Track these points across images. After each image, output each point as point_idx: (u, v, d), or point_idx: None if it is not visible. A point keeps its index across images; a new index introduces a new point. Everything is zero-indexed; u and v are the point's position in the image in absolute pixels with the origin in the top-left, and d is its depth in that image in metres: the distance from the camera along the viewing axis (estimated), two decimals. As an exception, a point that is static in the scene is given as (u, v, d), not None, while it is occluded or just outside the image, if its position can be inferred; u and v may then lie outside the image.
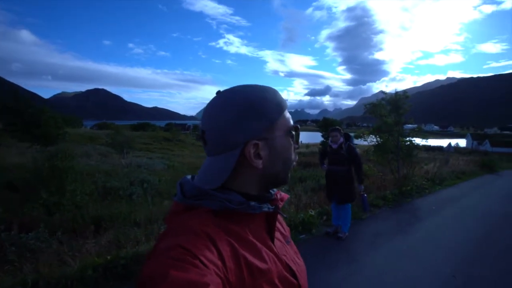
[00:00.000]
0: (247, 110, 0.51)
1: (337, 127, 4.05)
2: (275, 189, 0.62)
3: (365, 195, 4.25)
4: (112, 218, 4.91)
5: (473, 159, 17.49)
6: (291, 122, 0.58)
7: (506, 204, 6.97)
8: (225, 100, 0.53)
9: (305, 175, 11.56)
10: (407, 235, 4.32)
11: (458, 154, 24.25)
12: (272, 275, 0.49)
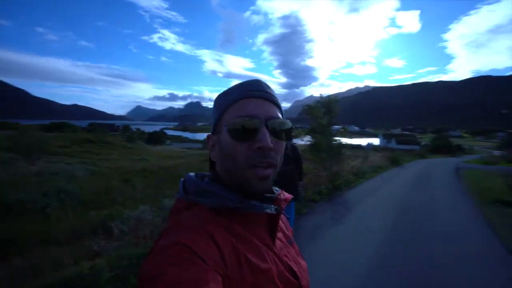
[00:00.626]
0: (213, 107, 0.57)
1: None
2: (277, 189, 0.61)
3: (301, 189, 4.48)
4: (20, 239, 4.00)
5: (384, 155, 20.80)
6: (239, 113, 0.51)
7: (410, 191, 8.56)
8: None
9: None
10: (341, 225, 4.81)
11: (374, 151, 28.57)
12: (272, 275, 0.48)
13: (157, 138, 51.62)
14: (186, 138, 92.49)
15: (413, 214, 5.88)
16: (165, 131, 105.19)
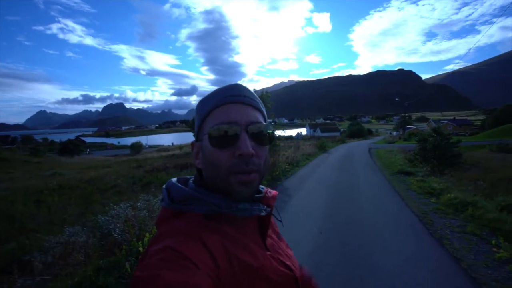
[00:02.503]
0: (195, 114, 0.57)
1: None
2: (263, 187, 0.61)
3: None
4: None
5: (312, 143, 23.05)
6: (220, 120, 0.50)
7: (338, 171, 9.77)
8: None
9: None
10: (285, 212, 5.16)
11: (303, 140, 31.31)
12: (266, 272, 0.50)
13: (72, 147, 44.09)
14: (111, 144, 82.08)
15: (342, 189, 6.87)
16: (83, 138, 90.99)
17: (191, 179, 0.58)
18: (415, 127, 62.75)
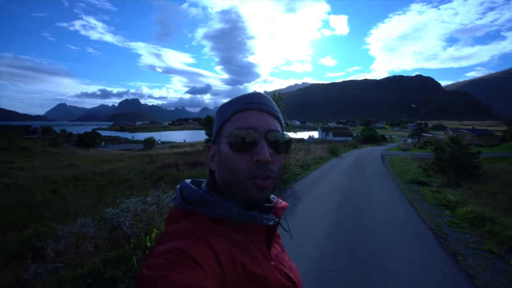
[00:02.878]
0: (215, 117, 0.58)
1: None
2: (274, 197, 0.62)
3: None
4: None
5: (324, 146, 22.77)
6: (239, 125, 0.51)
7: (349, 177, 9.60)
8: None
9: (194, 175, 11.50)
10: (294, 216, 5.12)
11: (314, 143, 30.97)
12: (269, 282, 0.49)
13: (89, 140, 45.52)
14: (125, 138, 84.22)
15: (353, 195, 6.75)
16: (99, 131, 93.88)
17: (204, 182, 0.59)
18: (431, 135, 60.77)
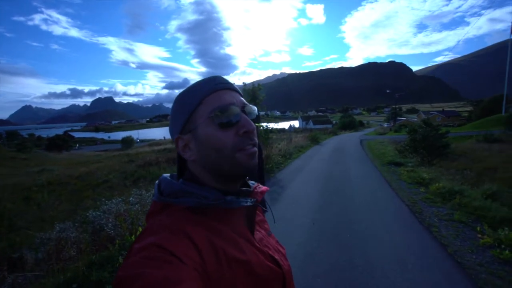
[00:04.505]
0: (174, 108, 0.56)
1: None
2: (253, 182, 0.62)
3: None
4: None
5: (304, 135, 23.16)
6: (219, 104, 0.52)
7: (330, 163, 9.88)
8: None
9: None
10: (278, 203, 5.22)
11: (295, 132, 31.44)
12: (252, 266, 0.50)
13: (60, 143, 43.03)
14: (101, 139, 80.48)
15: (335, 180, 7.00)
16: (71, 133, 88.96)
17: (183, 176, 0.58)
18: (405, 118, 63.73)
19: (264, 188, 0.62)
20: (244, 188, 0.58)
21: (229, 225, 0.52)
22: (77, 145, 56.58)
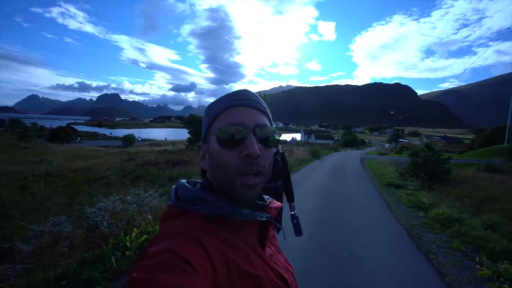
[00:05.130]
0: (204, 116, 0.57)
1: None
2: (268, 197, 0.62)
3: (297, 214, 2.60)
4: None
5: (306, 149, 23.16)
6: (226, 121, 0.51)
7: (330, 179, 9.83)
8: None
9: (176, 174, 11.26)
10: (276, 215, 5.17)
11: (297, 145, 31.43)
12: (262, 281, 0.49)
13: (63, 135, 43.13)
14: (103, 134, 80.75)
15: (334, 196, 6.95)
16: (74, 126, 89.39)
17: (200, 182, 0.59)
18: (407, 141, 63.74)
19: (278, 204, 0.62)
20: (260, 202, 0.58)
21: (242, 237, 0.52)
22: (79, 139, 56.71)
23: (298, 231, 2.45)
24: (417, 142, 53.66)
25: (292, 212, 2.54)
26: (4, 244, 3.76)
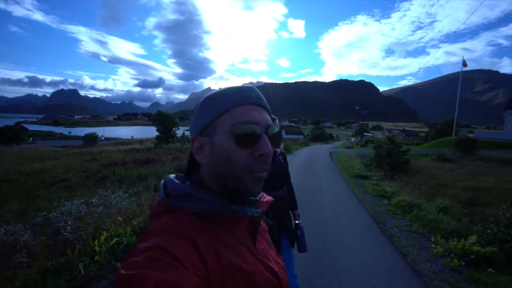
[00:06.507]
0: (200, 108, 0.55)
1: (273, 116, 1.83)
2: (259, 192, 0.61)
3: (302, 225, 2.20)
4: None
5: (278, 144, 23.54)
6: (243, 119, 0.51)
7: (302, 173, 10.14)
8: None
9: (145, 173, 10.80)
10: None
11: (269, 141, 31.83)
12: (253, 276, 0.50)
13: (11, 135, 38.73)
14: (60, 134, 74.14)
15: (306, 191, 7.15)
16: (25, 125, 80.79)
17: (189, 178, 0.58)
18: (371, 134, 67.96)
19: (269, 198, 0.62)
20: (251, 198, 0.57)
21: (233, 233, 0.52)
22: (31, 139, 51.44)
23: (302, 245, 2.01)
24: (379, 136, 57.52)
25: (296, 222, 2.19)
26: None
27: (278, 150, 2.11)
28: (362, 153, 20.33)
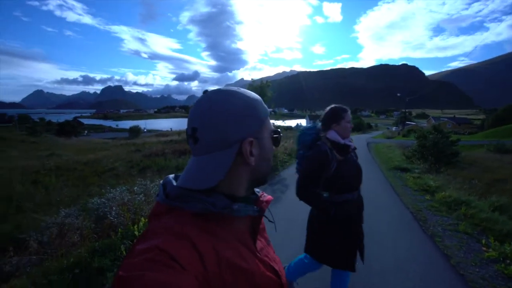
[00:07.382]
0: (246, 109, 0.53)
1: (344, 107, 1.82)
2: (259, 190, 0.63)
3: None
4: None
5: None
6: (272, 127, 0.61)
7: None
8: (224, 99, 0.53)
9: (182, 163, 11.39)
10: (280, 203, 5.21)
11: (302, 131, 31.23)
12: (253, 275, 0.50)
13: (70, 129, 43.79)
14: (109, 127, 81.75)
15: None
16: (80, 120, 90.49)
17: None
18: (414, 123, 62.67)
19: (269, 197, 0.62)
20: (251, 196, 0.58)
21: (233, 232, 0.52)
22: (86, 132, 57.56)
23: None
24: (425, 125, 52.73)
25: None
26: (19, 235, 3.91)
27: (352, 145, 1.80)
28: (404, 143, 18.88)
